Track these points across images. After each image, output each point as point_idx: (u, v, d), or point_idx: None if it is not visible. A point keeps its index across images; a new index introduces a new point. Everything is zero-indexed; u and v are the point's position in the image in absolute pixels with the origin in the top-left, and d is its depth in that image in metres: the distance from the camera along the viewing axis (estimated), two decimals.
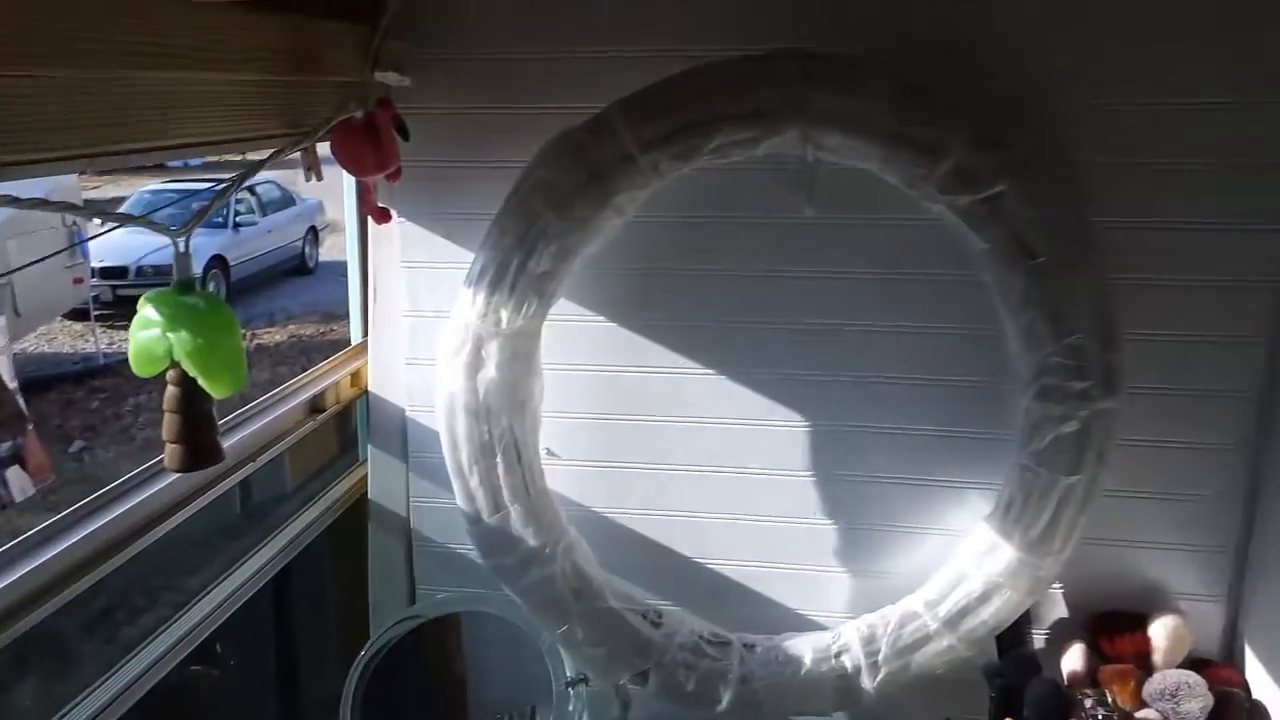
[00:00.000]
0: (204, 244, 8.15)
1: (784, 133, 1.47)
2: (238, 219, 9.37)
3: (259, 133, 1.40)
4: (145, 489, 1.33)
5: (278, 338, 7.82)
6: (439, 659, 1.87)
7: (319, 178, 1.58)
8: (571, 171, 1.51)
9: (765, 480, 1.69)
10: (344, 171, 1.78)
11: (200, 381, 1.08)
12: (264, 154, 1.39)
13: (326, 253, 10.69)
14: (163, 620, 1.40)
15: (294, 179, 12.38)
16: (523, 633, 1.78)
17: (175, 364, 1.09)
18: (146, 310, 1.09)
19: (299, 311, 8.62)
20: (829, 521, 1.69)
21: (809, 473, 1.68)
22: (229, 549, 1.60)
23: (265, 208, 9.94)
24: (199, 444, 1.12)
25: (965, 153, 1.43)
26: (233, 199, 9.28)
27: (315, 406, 1.74)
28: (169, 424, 1.11)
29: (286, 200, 10.38)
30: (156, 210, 9.76)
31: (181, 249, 1.11)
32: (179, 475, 1.37)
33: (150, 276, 8.30)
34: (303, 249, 10.14)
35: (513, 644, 1.81)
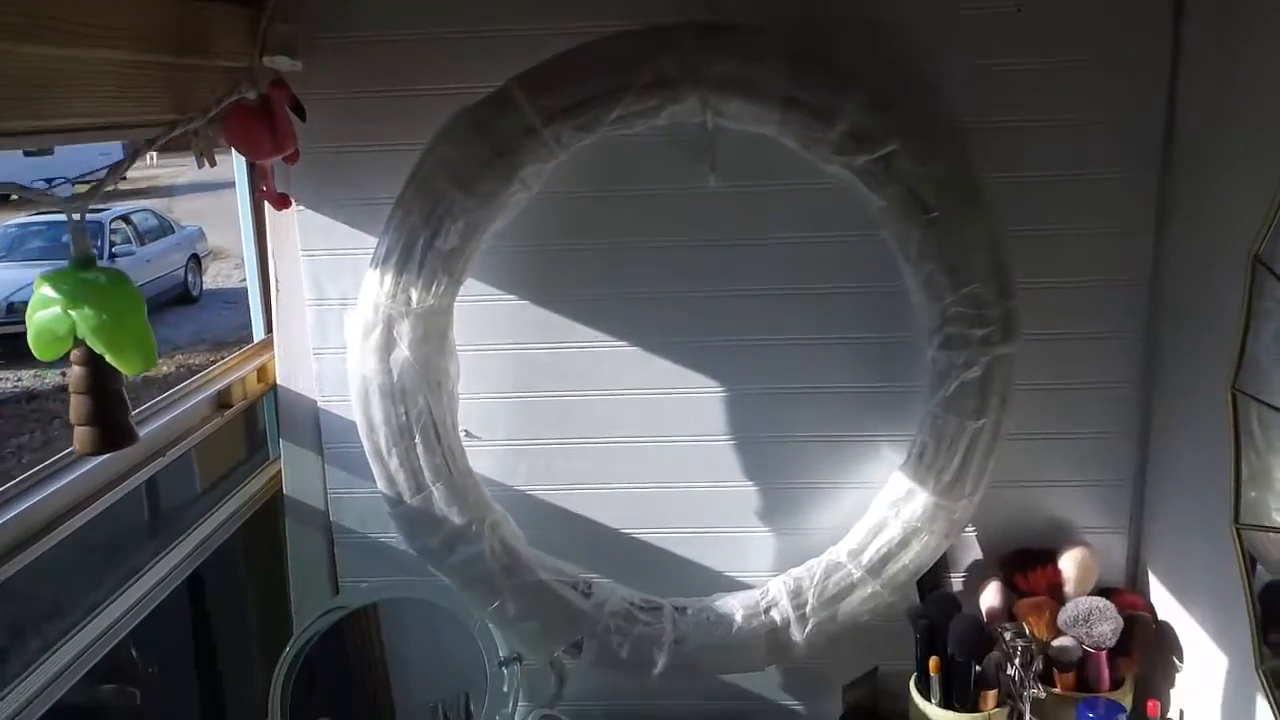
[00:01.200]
0: None
1: (684, 100, 1.49)
2: (114, 249, 8.99)
3: (145, 116, 1.35)
4: (45, 486, 1.27)
5: (165, 369, 7.52)
6: (360, 653, 1.83)
7: (211, 163, 1.52)
8: (475, 147, 1.50)
9: (685, 447, 1.71)
10: (234, 174, 1.76)
11: (108, 358, 1.04)
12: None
13: (210, 280, 10.36)
14: (71, 626, 1.33)
15: (170, 206, 11.98)
16: (444, 620, 1.76)
17: (79, 343, 1.05)
18: (44, 289, 1.05)
19: (185, 342, 8.35)
20: (750, 483, 1.72)
21: (727, 437, 1.70)
22: (138, 555, 1.53)
23: (142, 237, 9.58)
24: (111, 424, 1.08)
25: (858, 114, 1.48)
26: (106, 229, 8.96)
27: (222, 402, 1.69)
28: (77, 406, 1.07)
29: (165, 228, 10.04)
30: (25, 244, 9.37)
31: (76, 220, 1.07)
32: (80, 473, 1.33)
33: (21, 313, 7.90)
34: (185, 277, 9.79)
35: (432, 633, 1.79)
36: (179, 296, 9.58)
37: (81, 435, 1.08)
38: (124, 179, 1.39)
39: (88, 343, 1.04)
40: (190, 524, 1.61)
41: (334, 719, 1.72)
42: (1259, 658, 1.23)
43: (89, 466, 1.34)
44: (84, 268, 1.06)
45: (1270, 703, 1.22)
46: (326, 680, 1.81)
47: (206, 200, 11.03)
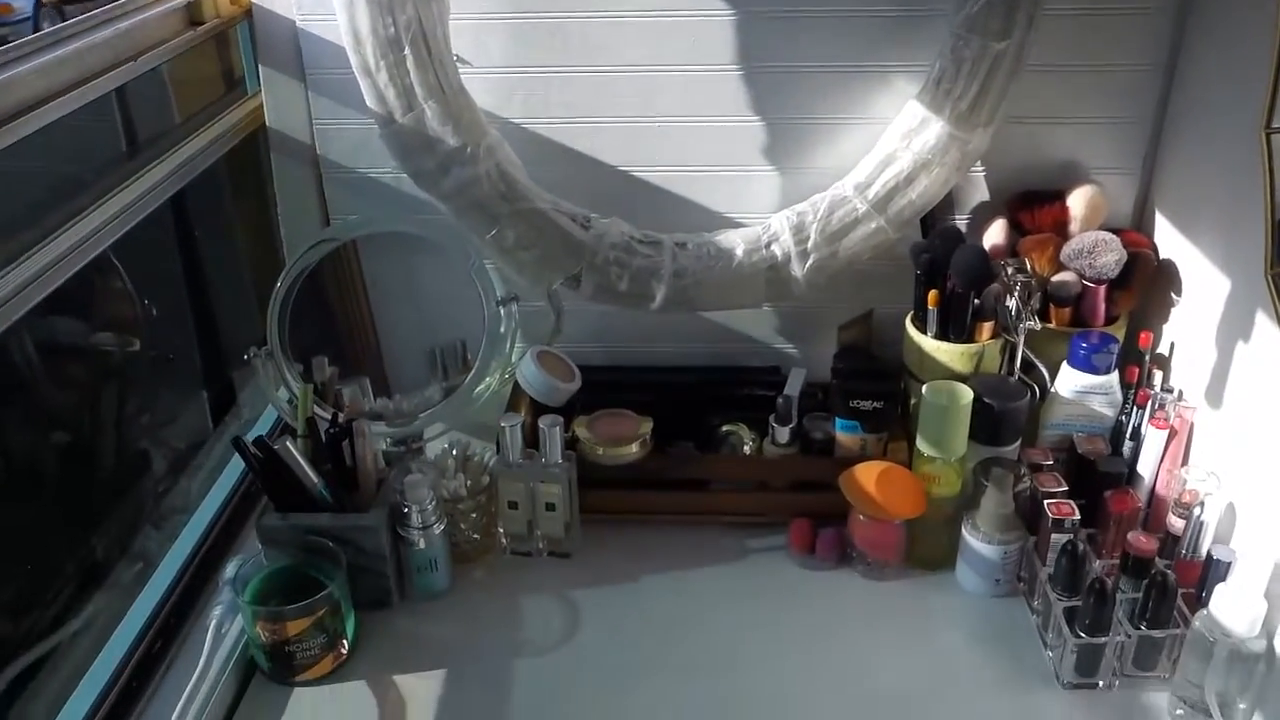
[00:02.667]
0: None
1: None
2: None
3: None
4: (10, 68, 1.18)
5: None
6: (345, 297, 1.81)
7: None
8: None
9: (688, 77, 1.62)
10: None
11: None
12: None
13: None
14: (54, 229, 1.28)
15: None
16: (435, 266, 1.74)
17: None
18: None
19: None
20: (755, 118, 1.64)
21: (733, 66, 1.61)
22: (116, 173, 1.47)
23: None
24: None
25: None
26: None
27: (194, 19, 1.57)
28: None
29: None
30: None
31: None
32: (48, 58, 1.24)
33: None
34: None
35: (422, 279, 1.78)
36: None
37: None
38: None
39: None
40: (169, 148, 1.54)
41: (330, 359, 1.72)
42: (1269, 262, 1.23)
43: (56, 54, 1.25)
44: None
45: (1274, 308, 1.22)
46: (314, 325, 1.82)
47: None
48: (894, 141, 1.55)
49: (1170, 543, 1.40)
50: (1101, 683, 1.35)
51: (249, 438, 1.46)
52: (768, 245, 1.60)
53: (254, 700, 1.36)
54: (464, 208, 1.54)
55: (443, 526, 1.50)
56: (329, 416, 1.59)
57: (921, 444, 1.50)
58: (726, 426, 1.69)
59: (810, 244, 1.58)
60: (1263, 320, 1.29)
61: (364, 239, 1.75)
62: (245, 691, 1.37)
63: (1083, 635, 1.32)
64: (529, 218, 1.55)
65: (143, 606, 1.44)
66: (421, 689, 1.37)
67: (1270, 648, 1.21)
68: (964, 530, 1.49)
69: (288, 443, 1.44)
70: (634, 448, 1.60)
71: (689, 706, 1.32)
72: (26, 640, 1.36)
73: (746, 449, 1.67)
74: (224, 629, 1.37)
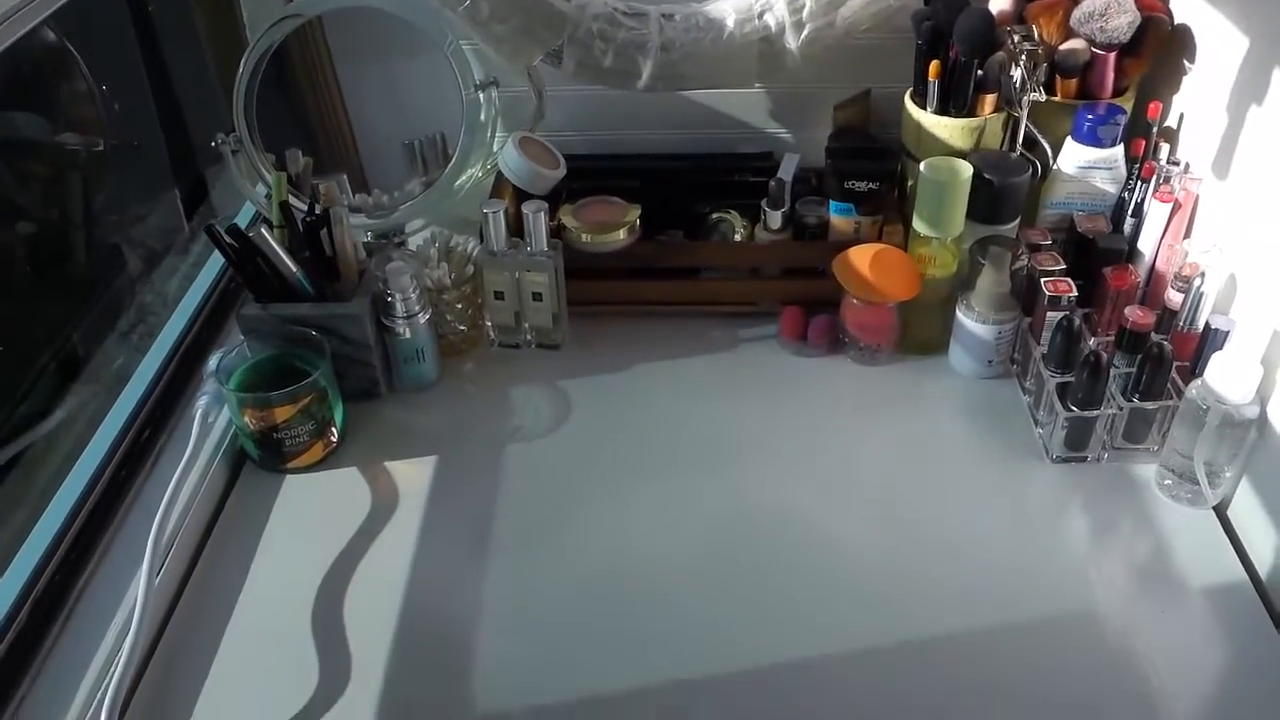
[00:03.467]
0: None
1: None
2: None
3: None
4: None
5: None
6: (315, 90, 1.72)
7: None
8: None
9: None
10: None
11: None
12: None
13: None
14: None
15: None
16: (407, 54, 1.64)
17: None
18: None
19: None
20: None
21: None
22: None
23: None
24: None
25: None
26: None
27: None
28: None
29: None
30: None
31: None
32: None
33: None
34: None
35: (394, 69, 1.68)
36: None
37: None
38: None
39: None
40: None
41: (303, 151, 1.64)
42: None
43: None
44: None
45: None
46: (287, 121, 1.73)
47: None
48: None
49: (1167, 318, 1.38)
50: (1090, 456, 1.35)
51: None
52: (760, 15, 1.50)
53: (246, 487, 1.37)
54: None
55: (428, 316, 1.47)
56: (305, 207, 1.53)
57: (918, 223, 1.46)
58: (717, 213, 1.64)
59: (806, 13, 1.49)
60: (1279, 79, 1.23)
61: (332, 20, 1.65)
62: (237, 480, 1.37)
63: (1074, 410, 1.31)
64: None
65: (128, 399, 1.43)
66: (413, 473, 1.37)
67: (1263, 413, 1.21)
68: (958, 311, 1.47)
69: (263, 229, 1.39)
70: (621, 234, 1.56)
71: (681, 492, 1.32)
72: (10, 430, 1.35)
73: (738, 236, 1.62)
74: (210, 418, 1.35)
